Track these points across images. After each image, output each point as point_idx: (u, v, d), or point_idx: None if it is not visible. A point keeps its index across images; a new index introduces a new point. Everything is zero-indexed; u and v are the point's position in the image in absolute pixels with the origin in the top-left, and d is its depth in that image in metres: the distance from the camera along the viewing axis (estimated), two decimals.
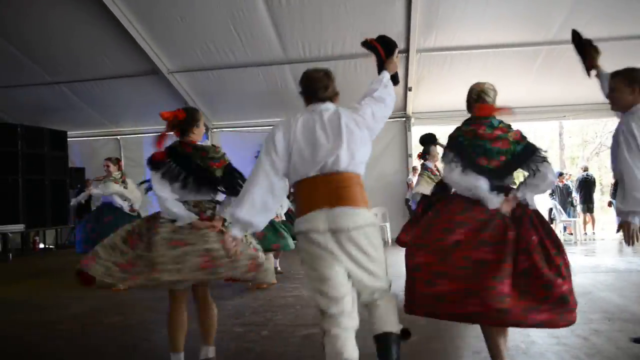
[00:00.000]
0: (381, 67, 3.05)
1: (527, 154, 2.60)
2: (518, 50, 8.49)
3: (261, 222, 2.40)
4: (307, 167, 2.31)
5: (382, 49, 3.31)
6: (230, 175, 2.91)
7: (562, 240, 2.60)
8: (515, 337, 3.31)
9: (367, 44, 3.45)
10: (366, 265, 2.26)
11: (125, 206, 6.36)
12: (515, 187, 2.67)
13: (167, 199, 2.77)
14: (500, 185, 2.61)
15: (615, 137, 2.75)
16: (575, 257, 7.34)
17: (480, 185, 2.54)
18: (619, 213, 2.72)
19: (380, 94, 2.60)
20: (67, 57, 9.25)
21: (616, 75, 2.91)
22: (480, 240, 2.44)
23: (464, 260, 2.40)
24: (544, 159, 2.59)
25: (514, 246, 2.41)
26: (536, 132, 21.25)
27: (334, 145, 2.28)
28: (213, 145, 3.03)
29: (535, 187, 2.58)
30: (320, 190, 2.28)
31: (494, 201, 2.53)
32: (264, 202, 2.34)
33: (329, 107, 2.45)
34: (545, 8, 7.53)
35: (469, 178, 2.57)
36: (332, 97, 2.51)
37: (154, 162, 2.84)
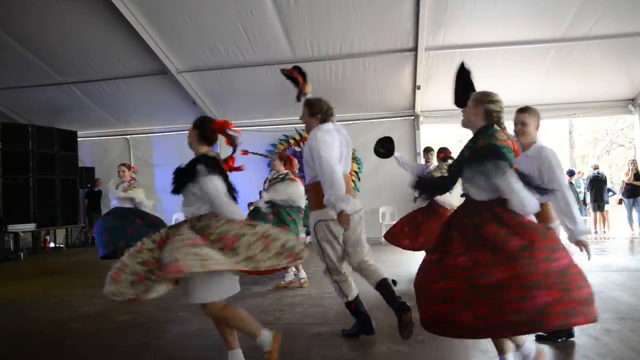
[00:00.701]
0: (300, 94, 3.92)
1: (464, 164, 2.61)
2: (527, 48, 8.42)
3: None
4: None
5: (301, 77, 3.99)
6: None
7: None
8: (525, 337, 3.29)
9: (285, 73, 4.10)
10: None
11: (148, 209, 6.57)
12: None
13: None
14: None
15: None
16: (586, 256, 7.27)
17: (526, 191, 2.53)
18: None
19: None
20: (77, 58, 9.33)
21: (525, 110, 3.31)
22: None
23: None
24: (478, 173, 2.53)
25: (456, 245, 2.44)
26: (546, 130, 21.10)
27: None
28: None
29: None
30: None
31: (535, 204, 2.50)
32: None
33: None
34: (555, 5, 7.47)
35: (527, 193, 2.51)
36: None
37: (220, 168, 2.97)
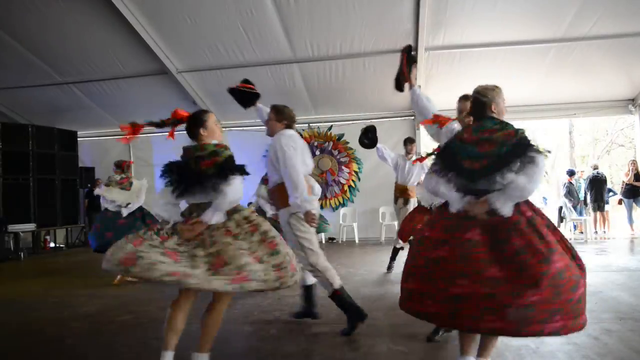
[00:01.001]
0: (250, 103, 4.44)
1: (514, 155, 2.48)
2: (527, 48, 8.43)
3: None
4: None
5: (253, 90, 4.46)
6: (216, 174, 2.76)
7: (569, 241, 2.56)
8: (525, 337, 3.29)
9: (232, 90, 4.55)
10: None
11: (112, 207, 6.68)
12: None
13: (157, 204, 2.91)
14: (476, 189, 2.56)
15: None
16: (586, 256, 7.28)
17: (440, 186, 2.64)
18: None
19: None
20: (77, 58, 9.33)
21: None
22: (441, 240, 2.51)
23: (424, 260, 2.53)
24: (531, 160, 2.45)
25: (480, 248, 2.42)
26: (546, 130, 21.13)
27: None
28: (203, 144, 2.93)
29: (507, 195, 2.46)
30: None
31: (455, 202, 2.59)
32: None
33: None
34: (555, 5, 7.47)
35: (433, 180, 2.69)
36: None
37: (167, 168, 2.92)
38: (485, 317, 2.30)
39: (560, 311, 2.30)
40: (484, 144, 2.57)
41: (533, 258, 2.33)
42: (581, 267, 2.45)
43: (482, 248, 2.41)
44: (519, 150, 2.50)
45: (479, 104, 2.73)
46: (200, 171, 2.78)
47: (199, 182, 2.78)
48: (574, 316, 2.36)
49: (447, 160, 2.68)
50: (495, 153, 2.53)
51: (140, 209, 6.77)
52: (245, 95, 4.58)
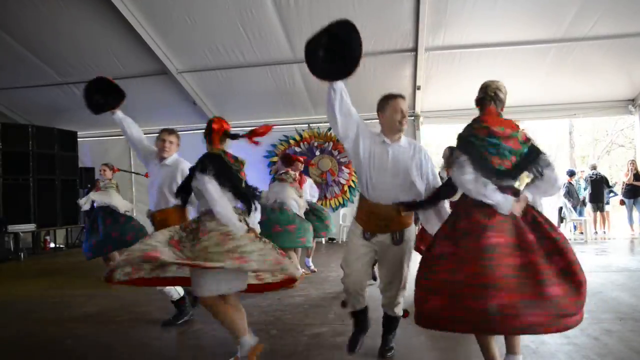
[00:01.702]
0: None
1: (533, 156, 2.55)
2: (528, 48, 8.42)
3: None
4: None
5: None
6: (249, 188, 3.22)
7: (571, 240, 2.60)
8: (525, 336, 3.29)
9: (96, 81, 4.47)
10: None
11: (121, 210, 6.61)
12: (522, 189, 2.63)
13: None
14: (510, 186, 2.57)
15: None
16: (586, 256, 7.28)
17: (489, 193, 2.49)
18: None
19: None
20: (77, 58, 9.32)
21: None
22: (509, 245, 2.38)
23: (503, 268, 2.31)
24: (549, 163, 2.54)
25: (541, 248, 2.38)
26: (546, 131, 21.12)
27: None
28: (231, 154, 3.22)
29: (543, 191, 2.54)
30: None
31: (505, 206, 2.48)
32: None
33: None
34: (555, 5, 7.46)
35: (479, 185, 2.52)
36: None
37: (218, 166, 3.01)
38: (524, 312, 2.24)
39: (582, 303, 2.34)
40: (512, 140, 2.57)
41: (565, 248, 2.38)
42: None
43: (540, 248, 2.38)
44: (535, 151, 2.56)
45: (499, 100, 2.72)
46: (242, 181, 3.18)
47: (243, 192, 3.13)
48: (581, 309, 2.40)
49: (475, 157, 2.55)
50: (519, 152, 2.56)
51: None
52: (110, 90, 4.23)
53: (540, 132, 17.29)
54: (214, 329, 3.13)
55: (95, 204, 6.58)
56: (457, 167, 2.60)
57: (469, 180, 2.54)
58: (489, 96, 2.73)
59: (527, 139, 2.59)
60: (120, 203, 6.53)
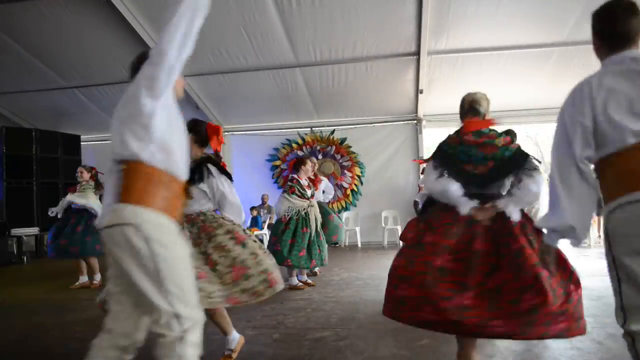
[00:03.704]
0: None
1: (517, 161, 2.55)
2: (530, 52, 8.42)
3: None
4: None
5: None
6: None
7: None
8: (529, 341, 3.28)
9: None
10: None
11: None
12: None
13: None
14: (482, 193, 2.57)
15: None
16: (589, 260, 7.26)
17: (450, 188, 2.55)
18: None
19: None
20: (80, 62, 9.37)
21: None
22: (444, 247, 2.45)
23: (424, 266, 2.43)
24: (534, 168, 2.53)
25: (484, 259, 2.40)
26: (549, 134, 21.05)
27: None
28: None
29: (517, 199, 2.50)
30: None
31: (464, 206, 2.52)
32: None
33: None
34: (558, 8, 7.45)
35: (441, 182, 2.59)
36: None
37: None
38: (491, 322, 2.29)
39: (564, 313, 2.30)
40: (487, 147, 2.59)
41: (527, 261, 2.34)
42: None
43: (488, 259, 2.41)
44: (521, 156, 2.56)
45: (475, 112, 2.76)
46: None
47: None
48: (577, 318, 2.36)
49: (447, 163, 2.64)
50: (499, 156, 2.56)
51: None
52: None
53: (542, 135, 17.27)
54: (213, 330, 3.12)
55: (73, 206, 6.59)
56: (426, 171, 2.76)
57: (433, 181, 2.65)
58: (464, 110, 2.81)
59: (509, 142, 2.61)
60: (97, 204, 6.51)
